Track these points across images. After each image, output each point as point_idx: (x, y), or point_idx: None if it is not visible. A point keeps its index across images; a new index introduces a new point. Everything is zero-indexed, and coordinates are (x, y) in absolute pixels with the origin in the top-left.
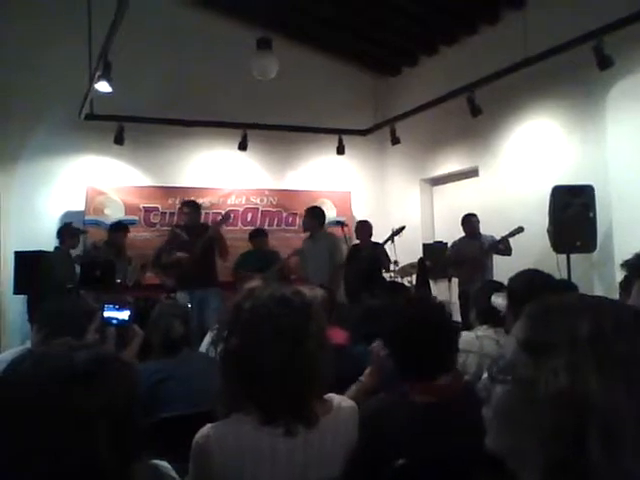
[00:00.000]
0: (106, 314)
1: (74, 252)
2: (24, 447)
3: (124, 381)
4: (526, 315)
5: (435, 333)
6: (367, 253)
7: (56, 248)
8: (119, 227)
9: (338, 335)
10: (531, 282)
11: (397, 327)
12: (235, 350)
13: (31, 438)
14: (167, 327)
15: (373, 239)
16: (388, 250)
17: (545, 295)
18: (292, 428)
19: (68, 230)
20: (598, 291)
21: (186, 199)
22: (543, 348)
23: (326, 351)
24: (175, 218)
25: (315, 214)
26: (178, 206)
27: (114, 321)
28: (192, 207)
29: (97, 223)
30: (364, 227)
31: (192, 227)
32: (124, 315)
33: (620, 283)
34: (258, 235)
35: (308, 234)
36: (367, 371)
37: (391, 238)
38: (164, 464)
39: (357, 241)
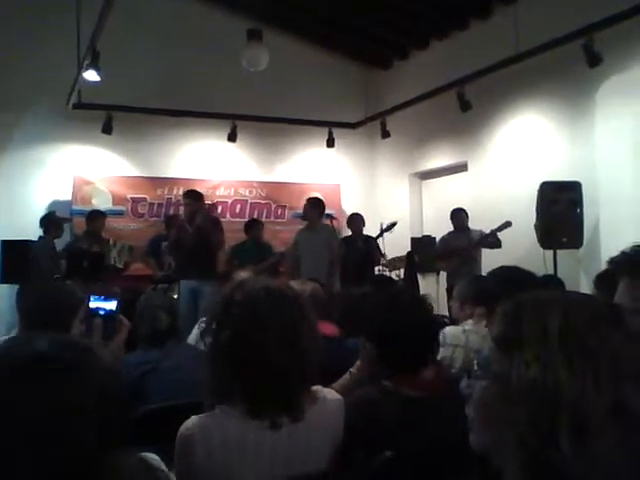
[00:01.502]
0: (92, 304)
1: (58, 243)
2: (9, 440)
3: (107, 373)
4: (500, 313)
5: (418, 327)
6: (361, 246)
7: (40, 238)
8: (96, 214)
9: (328, 328)
10: (504, 280)
11: (380, 321)
12: (226, 342)
13: (20, 431)
14: (152, 318)
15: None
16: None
17: (522, 292)
18: (278, 420)
19: (52, 220)
20: (584, 287)
21: (186, 189)
22: (515, 343)
23: (316, 344)
24: (163, 209)
25: (316, 204)
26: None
27: (101, 312)
28: (191, 197)
29: (84, 213)
30: (357, 219)
31: (194, 219)
32: (111, 305)
33: (594, 281)
34: (254, 226)
35: (305, 225)
36: (357, 363)
37: (382, 234)
38: (152, 456)
39: (349, 232)
